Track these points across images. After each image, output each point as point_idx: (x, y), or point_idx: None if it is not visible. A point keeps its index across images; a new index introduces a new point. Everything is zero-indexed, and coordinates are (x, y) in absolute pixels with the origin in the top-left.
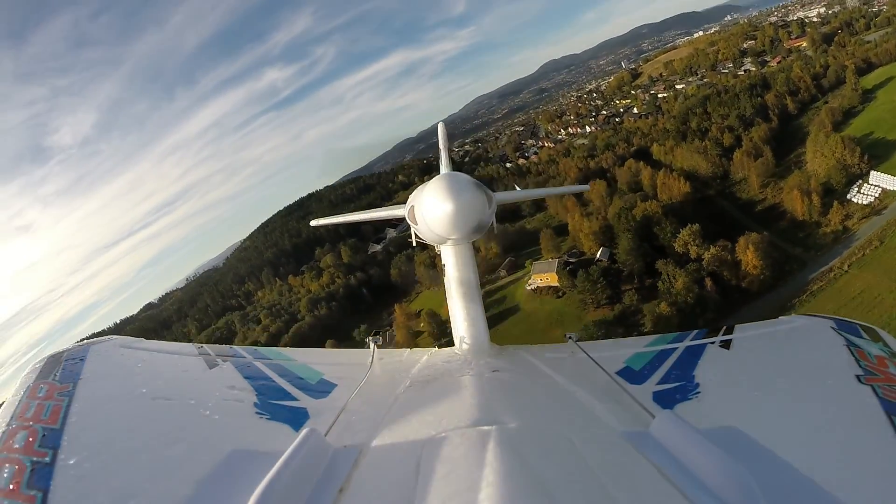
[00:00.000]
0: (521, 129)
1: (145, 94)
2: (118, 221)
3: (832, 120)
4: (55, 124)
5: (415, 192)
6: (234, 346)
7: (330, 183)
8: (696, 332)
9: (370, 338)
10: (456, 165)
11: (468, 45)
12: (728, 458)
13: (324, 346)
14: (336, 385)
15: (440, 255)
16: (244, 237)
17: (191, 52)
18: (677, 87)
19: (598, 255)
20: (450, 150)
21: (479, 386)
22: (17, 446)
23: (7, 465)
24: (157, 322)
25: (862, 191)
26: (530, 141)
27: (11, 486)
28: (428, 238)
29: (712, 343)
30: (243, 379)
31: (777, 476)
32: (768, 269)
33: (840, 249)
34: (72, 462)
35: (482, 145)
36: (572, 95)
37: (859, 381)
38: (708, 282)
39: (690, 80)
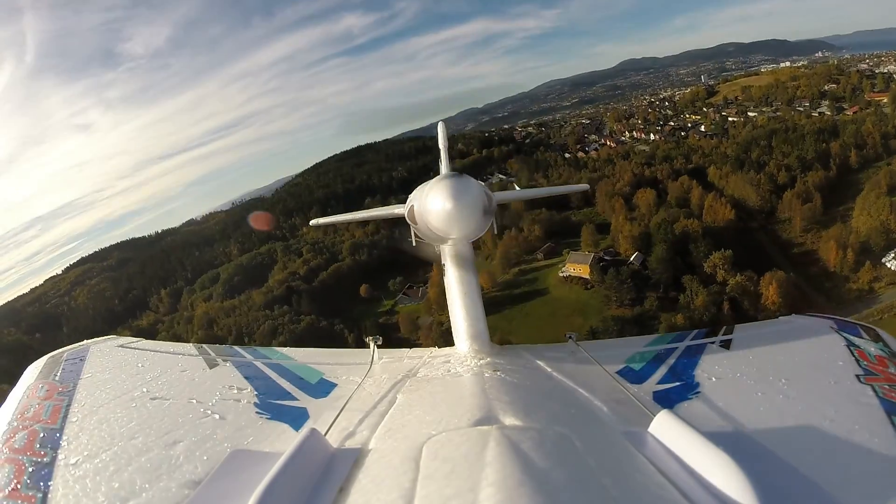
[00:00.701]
0: (588, 122)
1: (222, 18)
2: (174, 137)
3: (888, 182)
4: (129, 32)
5: (415, 191)
6: (234, 346)
7: (389, 137)
8: (696, 331)
9: (370, 338)
10: (517, 146)
11: (551, 26)
12: (728, 458)
13: (359, 289)
14: (336, 385)
15: (440, 254)
16: (296, 173)
17: None
18: (749, 113)
19: (631, 259)
20: (450, 150)
21: (479, 385)
22: (17, 446)
23: (7, 465)
24: (199, 237)
25: None
26: (593, 136)
27: (11, 487)
28: (428, 238)
29: (712, 343)
30: (243, 378)
31: (777, 476)
32: (785, 308)
33: (860, 307)
34: (72, 462)
35: (545, 130)
36: (645, 99)
37: (859, 380)
38: (726, 305)
39: (764, 109)
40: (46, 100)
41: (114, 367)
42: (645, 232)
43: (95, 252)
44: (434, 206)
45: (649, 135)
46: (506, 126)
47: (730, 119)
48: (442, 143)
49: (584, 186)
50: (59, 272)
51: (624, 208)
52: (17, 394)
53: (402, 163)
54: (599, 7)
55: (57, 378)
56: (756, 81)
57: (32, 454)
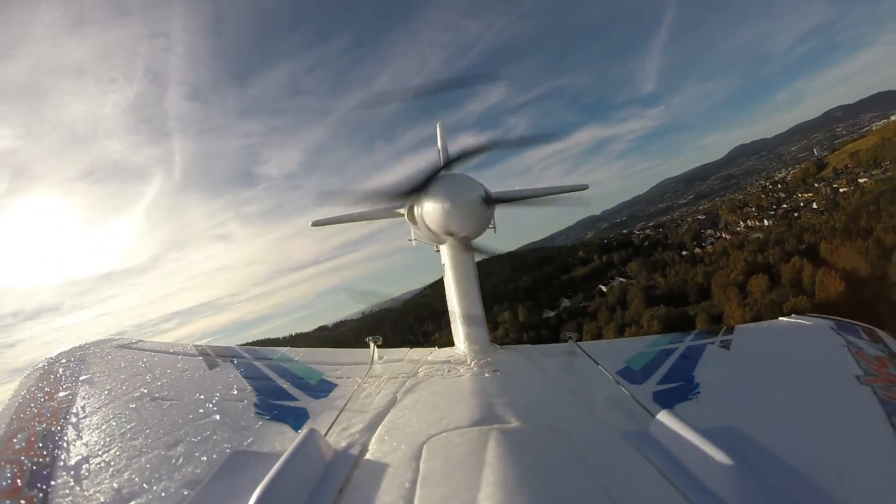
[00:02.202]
0: (703, 217)
1: (347, 144)
2: (305, 250)
3: None
4: (265, 156)
5: (414, 192)
6: (234, 347)
7: (511, 250)
8: (696, 332)
9: (370, 338)
10: (636, 248)
11: (657, 124)
12: (728, 458)
13: None
14: (336, 385)
15: (441, 255)
16: (424, 285)
17: (393, 113)
18: (859, 180)
19: None
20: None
21: (479, 386)
22: (18, 447)
23: (8, 465)
24: (332, 341)
25: None
26: (709, 231)
27: (12, 487)
28: (428, 238)
29: (712, 343)
30: (244, 379)
31: (777, 476)
32: None
33: None
34: (72, 462)
35: (663, 230)
36: (759, 184)
37: (859, 381)
38: None
39: (874, 173)
40: (191, 211)
41: (114, 367)
42: (756, 316)
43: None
44: (433, 206)
45: (763, 221)
46: (624, 231)
47: (840, 190)
48: (441, 144)
49: (584, 186)
50: None
51: (738, 296)
52: (18, 395)
53: (528, 272)
54: (701, 98)
55: (58, 379)
56: (863, 144)
57: (33, 454)
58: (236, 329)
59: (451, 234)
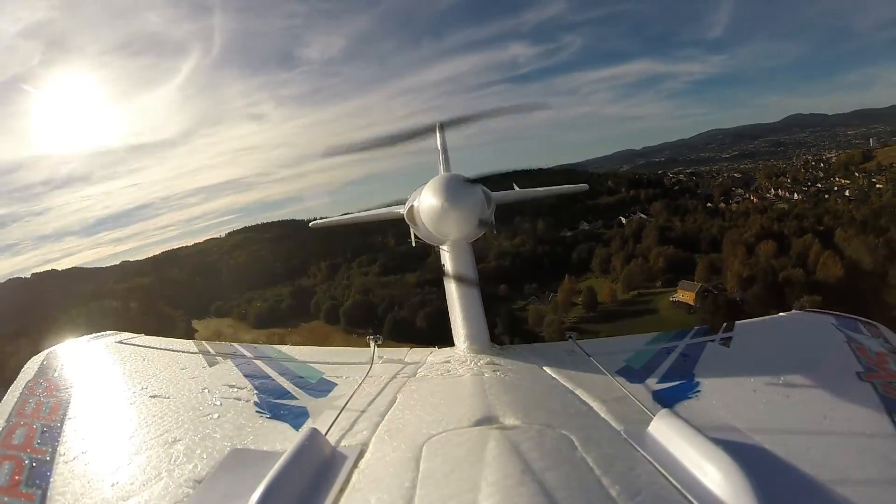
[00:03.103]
0: (739, 176)
1: (394, 35)
2: (338, 138)
3: None
4: (307, 39)
5: (413, 192)
6: (234, 344)
7: (543, 167)
8: (696, 329)
9: (370, 337)
10: (664, 190)
11: (716, 72)
12: (728, 458)
13: (499, 288)
14: (336, 384)
15: (441, 255)
16: None
17: (445, 9)
18: None
19: (735, 294)
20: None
21: (479, 385)
22: (16, 443)
23: (6, 462)
24: (357, 228)
25: None
26: (740, 190)
27: (10, 484)
28: (428, 238)
29: (712, 341)
30: (243, 377)
31: (777, 475)
32: None
33: None
34: (71, 459)
35: (696, 178)
36: (804, 158)
37: (860, 377)
38: None
39: None
40: (226, 89)
41: (114, 363)
42: (752, 275)
43: (257, 224)
44: (432, 206)
45: (794, 194)
46: (659, 171)
47: (877, 186)
48: (440, 143)
49: (584, 186)
50: (221, 236)
51: (744, 254)
52: (16, 390)
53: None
54: (769, 56)
55: (56, 374)
56: None
57: (32, 451)
58: (261, 209)
59: (450, 234)
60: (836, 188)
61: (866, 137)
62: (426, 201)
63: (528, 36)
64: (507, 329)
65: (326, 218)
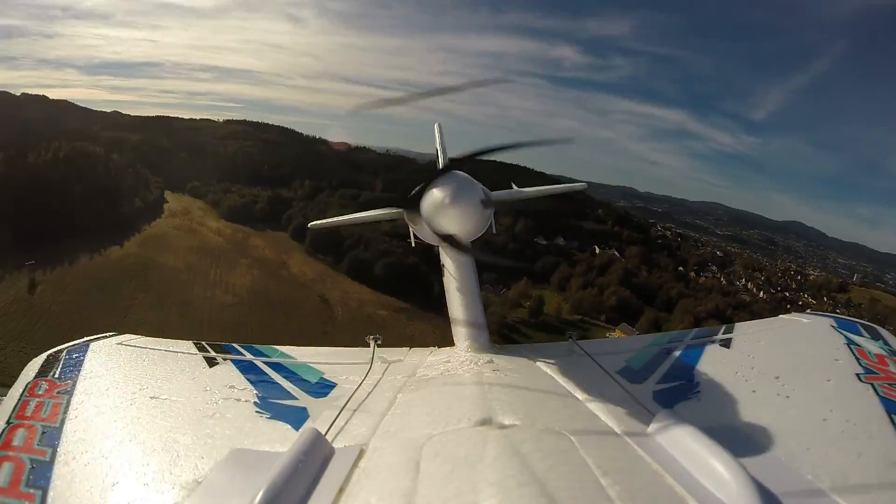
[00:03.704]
0: (721, 255)
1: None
2: (365, 68)
3: None
4: None
5: (414, 192)
6: (234, 345)
7: (545, 172)
8: (696, 330)
9: (370, 337)
10: (645, 238)
11: (744, 152)
12: (727, 458)
13: None
14: (336, 384)
15: (440, 254)
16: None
17: None
18: None
19: None
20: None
21: (479, 386)
22: (16, 444)
23: (6, 463)
24: (349, 162)
25: None
26: (714, 267)
27: (11, 485)
28: (427, 238)
29: (712, 342)
30: (243, 378)
31: (777, 475)
32: None
33: None
34: (71, 460)
35: (680, 241)
36: (788, 265)
37: (859, 379)
38: None
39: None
40: None
41: (114, 364)
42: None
43: (258, 122)
44: (433, 205)
45: (760, 292)
46: (651, 220)
47: None
48: (439, 142)
49: (583, 185)
50: (219, 120)
51: (690, 324)
52: (16, 391)
53: (546, 200)
54: (797, 158)
55: (56, 375)
56: (893, 301)
57: (32, 452)
58: (266, 108)
59: (449, 235)
60: (800, 303)
61: (853, 271)
62: (427, 201)
63: (582, 43)
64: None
65: (326, 219)
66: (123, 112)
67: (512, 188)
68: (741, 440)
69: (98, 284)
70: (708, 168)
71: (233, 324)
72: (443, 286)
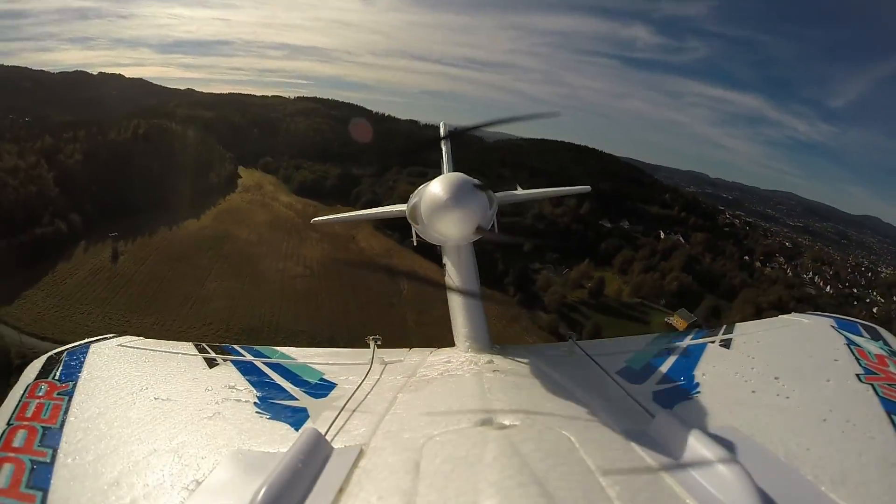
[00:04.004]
0: (790, 246)
1: None
2: (434, 46)
3: None
4: None
5: (416, 191)
6: (234, 346)
7: (614, 153)
8: (696, 331)
9: (370, 338)
10: (713, 226)
11: (819, 140)
12: (728, 458)
13: (523, 246)
14: (336, 385)
15: (442, 254)
16: (522, 136)
17: None
18: None
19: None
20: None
21: (479, 386)
22: (16, 445)
23: (7, 464)
24: (416, 140)
25: None
26: (782, 259)
27: (11, 486)
28: (429, 237)
29: (712, 342)
30: (243, 378)
31: (777, 476)
32: None
33: None
34: (71, 461)
35: (749, 230)
36: (862, 261)
37: (859, 379)
38: None
39: None
40: None
41: (114, 366)
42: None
43: (328, 99)
44: (434, 205)
45: (827, 287)
46: (721, 206)
47: None
48: (443, 142)
49: (586, 188)
50: (290, 97)
51: (752, 314)
52: (17, 393)
53: (613, 181)
54: (876, 149)
55: (57, 377)
56: None
57: (33, 453)
58: (334, 84)
59: (451, 234)
60: (868, 300)
61: None
62: (428, 200)
63: (657, 23)
64: (514, 281)
65: (329, 217)
66: (197, 90)
67: (517, 190)
68: (741, 441)
69: (176, 255)
70: (782, 156)
71: (305, 294)
72: (506, 265)
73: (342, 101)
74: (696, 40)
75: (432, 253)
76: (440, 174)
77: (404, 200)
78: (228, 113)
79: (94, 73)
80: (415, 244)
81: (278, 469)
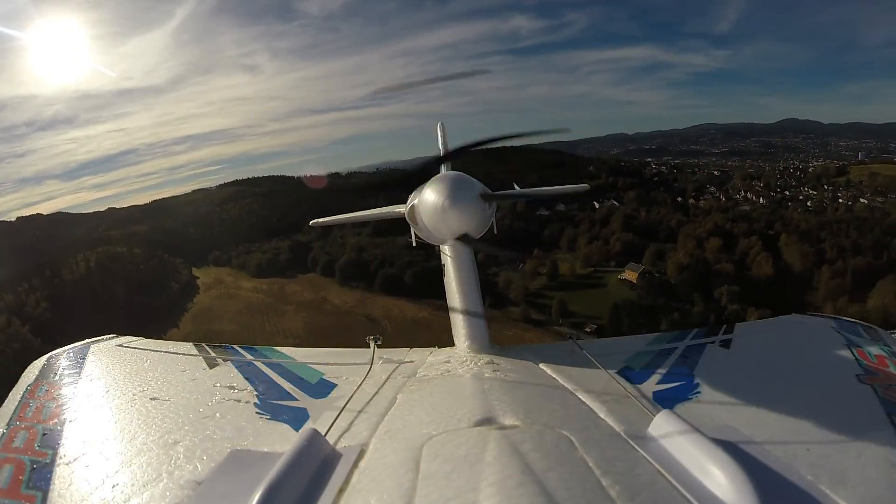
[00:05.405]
0: (717, 173)
1: None
2: (330, 95)
3: None
4: None
5: (414, 191)
6: (234, 346)
7: (532, 143)
8: (696, 331)
9: (370, 338)
10: (642, 180)
11: (718, 67)
12: (728, 459)
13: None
14: (336, 385)
15: (441, 254)
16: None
17: None
18: (861, 199)
19: (671, 279)
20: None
21: (479, 386)
22: (17, 446)
23: (7, 465)
24: (345, 191)
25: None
26: (713, 188)
27: (11, 486)
28: (428, 238)
29: (712, 343)
30: (243, 378)
31: (777, 476)
32: None
33: None
34: (71, 462)
35: (675, 172)
36: (786, 165)
37: (859, 380)
38: (713, 318)
39: (878, 199)
40: (220, 36)
41: (114, 366)
42: (689, 263)
43: (248, 178)
44: (433, 205)
45: (760, 198)
46: (647, 158)
47: (840, 201)
48: (441, 142)
49: (585, 187)
50: (211, 187)
51: (693, 247)
52: (17, 393)
53: (540, 171)
54: (772, 58)
55: (57, 377)
56: (890, 170)
57: (33, 454)
58: (247, 161)
59: (451, 235)
60: (801, 198)
61: (857, 151)
62: (428, 201)
63: (532, 9)
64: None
65: (326, 217)
66: (116, 206)
67: (514, 188)
68: (741, 441)
69: None
70: (689, 93)
71: None
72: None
73: (263, 176)
74: (573, 12)
75: (398, 289)
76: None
77: (359, 252)
78: (159, 220)
79: (12, 219)
80: (414, 245)
81: (278, 469)
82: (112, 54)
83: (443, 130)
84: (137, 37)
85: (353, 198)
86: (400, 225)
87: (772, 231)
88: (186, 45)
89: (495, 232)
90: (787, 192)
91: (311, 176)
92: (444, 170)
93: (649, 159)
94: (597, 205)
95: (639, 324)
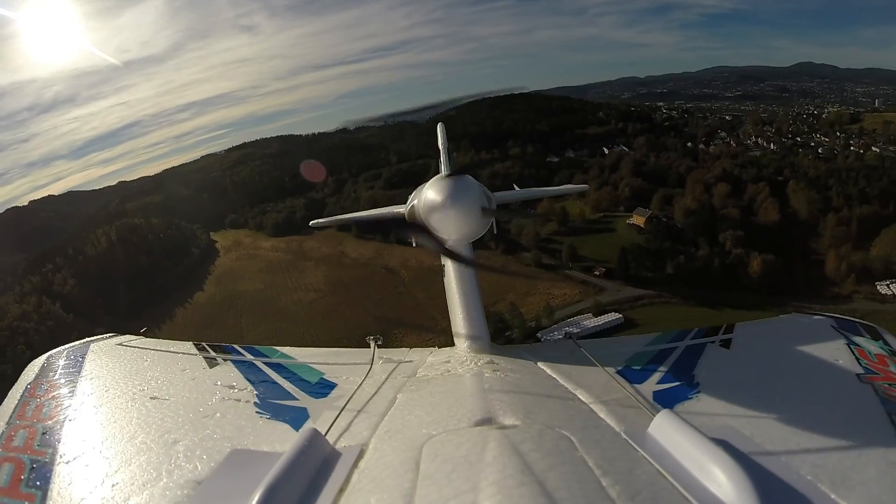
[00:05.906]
0: (729, 118)
1: None
2: (334, 49)
3: None
4: None
5: (414, 192)
6: (234, 346)
7: (542, 88)
8: (696, 330)
9: (370, 337)
10: (652, 125)
11: (732, 7)
12: (728, 458)
13: None
14: (336, 385)
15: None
16: (444, 100)
17: None
18: (874, 147)
19: (678, 223)
20: (449, 151)
21: (479, 385)
22: (16, 445)
23: (7, 463)
24: (356, 144)
25: (891, 287)
26: (724, 133)
27: (11, 485)
28: (425, 242)
29: (712, 342)
30: (243, 378)
31: (777, 476)
32: (762, 279)
33: (826, 303)
34: (71, 461)
35: (687, 117)
36: (800, 110)
37: (860, 379)
38: (715, 260)
39: (892, 149)
40: None
41: (114, 365)
42: (696, 208)
43: (257, 140)
44: (433, 206)
45: (770, 144)
46: (659, 103)
47: (852, 148)
48: (441, 143)
49: (584, 187)
50: (220, 152)
51: (701, 193)
52: (17, 392)
53: (548, 118)
54: None
55: (57, 376)
56: None
57: (32, 452)
58: (254, 122)
59: (451, 235)
60: (812, 144)
61: (874, 97)
62: (427, 201)
63: None
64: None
65: (327, 217)
66: (127, 180)
67: (514, 188)
68: (741, 441)
69: (205, 325)
70: (701, 34)
71: (328, 309)
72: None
73: (271, 137)
74: None
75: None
76: (438, 173)
77: (373, 205)
78: (173, 189)
79: (25, 203)
80: (413, 245)
81: (278, 469)
82: (107, 28)
83: (443, 130)
84: (131, 8)
85: (362, 155)
86: (410, 178)
87: (780, 177)
88: (181, 11)
89: (495, 232)
90: (799, 139)
91: (310, 168)
92: (444, 170)
93: (660, 103)
94: (606, 151)
95: (646, 266)
